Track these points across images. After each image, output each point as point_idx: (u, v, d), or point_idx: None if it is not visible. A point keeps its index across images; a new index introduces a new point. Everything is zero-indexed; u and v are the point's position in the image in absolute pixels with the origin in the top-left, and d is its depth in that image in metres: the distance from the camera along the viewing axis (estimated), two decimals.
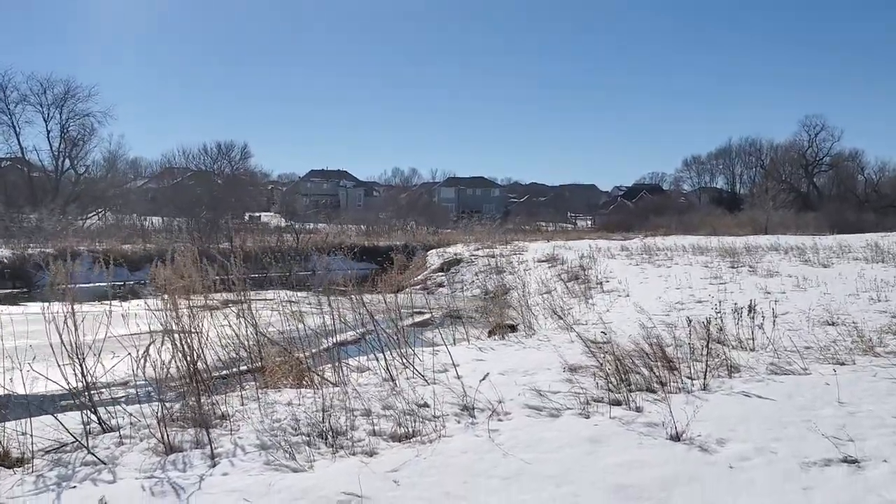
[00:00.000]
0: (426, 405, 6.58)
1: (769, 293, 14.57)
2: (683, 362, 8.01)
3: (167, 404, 6.21)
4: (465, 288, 22.92)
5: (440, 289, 24.48)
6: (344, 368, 8.33)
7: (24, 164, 57.49)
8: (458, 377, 7.62)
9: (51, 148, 57.93)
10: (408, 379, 7.74)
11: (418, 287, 25.61)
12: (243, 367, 8.02)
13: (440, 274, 26.82)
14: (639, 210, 76.95)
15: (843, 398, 6.60)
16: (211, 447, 5.31)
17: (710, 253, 23.67)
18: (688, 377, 7.56)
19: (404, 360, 8.03)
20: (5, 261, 26.90)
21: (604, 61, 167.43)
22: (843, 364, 8.13)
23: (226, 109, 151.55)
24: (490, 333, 11.67)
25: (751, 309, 9.28)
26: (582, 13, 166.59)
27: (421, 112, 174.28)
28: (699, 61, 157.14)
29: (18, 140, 56.58)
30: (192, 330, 6.86)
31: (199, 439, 5.52)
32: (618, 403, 6.64)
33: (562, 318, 12.01)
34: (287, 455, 5.22)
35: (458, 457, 5.22)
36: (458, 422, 6.15)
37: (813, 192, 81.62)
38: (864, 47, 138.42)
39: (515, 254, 27.35)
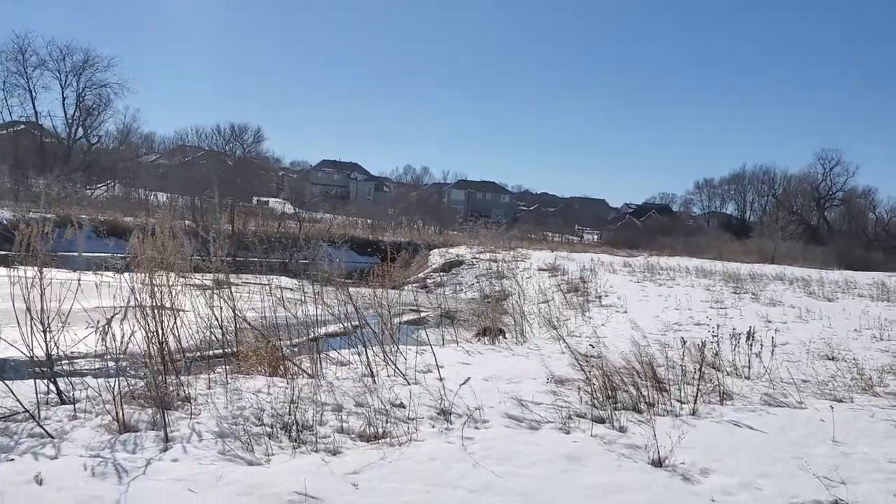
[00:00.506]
0: (402, 405, 6.30)
1: (770, 322, 14.23)
2: (674, 384, 7.71)
3: (132, 381, 5.93)
4: (463, 290, 22.61)
5: (439, 288, 24.17)
6: (324, 360, 8.06)
7: (38, 129, 57.23)
8: (441, 379, 7.34)
9: (65, 115, 57.73)
10: (389, 377, 7.45)
11: (418, 285, 25.33)
12: (219, 351, 7.72)
13: (441, 274, 26.53)
14: (646, 228, 76.45)
15: (838, 437, 6.29)
16: (165, 430, 5.02)
17: (713, 277, 23.34)
18: (677, 400, 7.27)
19: (387, 358, 7.73)
20: (4, 222, 26.70)
21: (621, 76, 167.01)
22: (840, 401, 7.82)
23: (243, 93, 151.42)
24: (478, 335, 11.35)
25: (749, 336, 8.96)
26: (605, 24, 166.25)
27: (437, 112, 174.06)
28: (719, 83, 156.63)
29: (34, 104, 56.35)
30: (165, 306, 6.58)
31: (156, 420, 5.22)
32: (601, 421, 6.35)
33: (555, 328, 11.71)
34: (245, 446, 4.93)
35: (425, 463, 4.93)
36: (433, 426, 5.86)
37: (823, 226, 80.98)
38: (887, 84, 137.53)
39: (518, 260, 27.02)
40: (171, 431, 5.07)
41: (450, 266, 27.05)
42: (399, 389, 6.81)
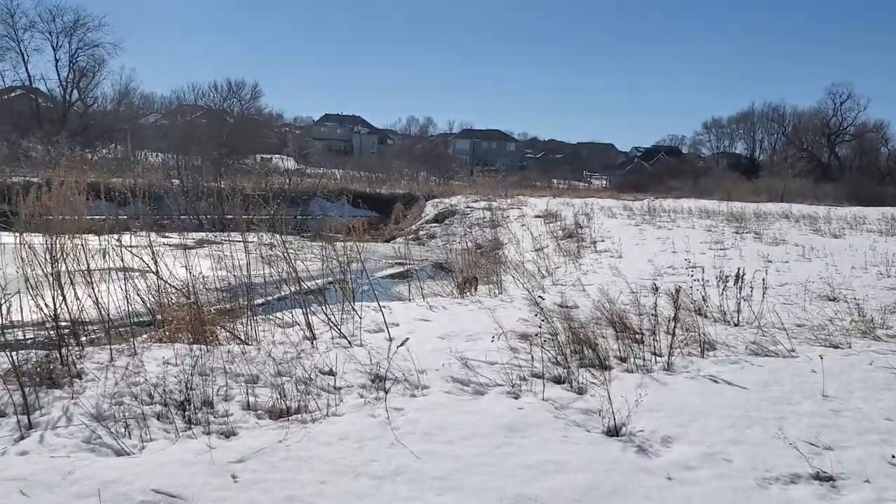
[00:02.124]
0: (331, 373, 5.56)
1: (770, 262, 13.42)
2: (654, 335, 6.94)
3: (24, 356, 5.19)
4: (456, 240, 21.79)
5: (432, 240, 23.44)
6: (268, 322, 7.33)
7: (34, 93, 56.13)
8: (390, 339, 6.60)
9: (59, 78, 56.53)
10: (332, 339, 6.71)
11: (411, 237, 24.56)
12: (146, 319, 6.96)
13: (434, 225, 25.72)
14: (655, 172, 74.96)
15: (828, 390, 5.53)
16: (28, 416, 4.28)
17: (716, 217, 22.47)
18: (653, 353, 6.51)
19: (329, 318, 6.97)
20: None
21: (628, 20, 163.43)
22: (837, 347, 7.06)
23: (241, 47, 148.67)
24: (459, 288, 10.54)
25: (738, 278, 8.15)
26: None
27: (441, 62, 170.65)
28: (726, 21, 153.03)
29: (27, 68, 55.06)
30: (63, 270, 5.82)
31: (29, 403, 4.48)
32: (559, 381, 5.61)
33: (543, 277, 10.93)
34: (118, 432, 4.19)
35: (331, 445, 4.18)
36: (361, 396, 5.12)
37: (834, 162, 79.09)
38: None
39: (514, 208, 26.13)
40: (40, 417, 4.34)
41: (443, 217, 26.22)
42: (336, 353, 6.05)
